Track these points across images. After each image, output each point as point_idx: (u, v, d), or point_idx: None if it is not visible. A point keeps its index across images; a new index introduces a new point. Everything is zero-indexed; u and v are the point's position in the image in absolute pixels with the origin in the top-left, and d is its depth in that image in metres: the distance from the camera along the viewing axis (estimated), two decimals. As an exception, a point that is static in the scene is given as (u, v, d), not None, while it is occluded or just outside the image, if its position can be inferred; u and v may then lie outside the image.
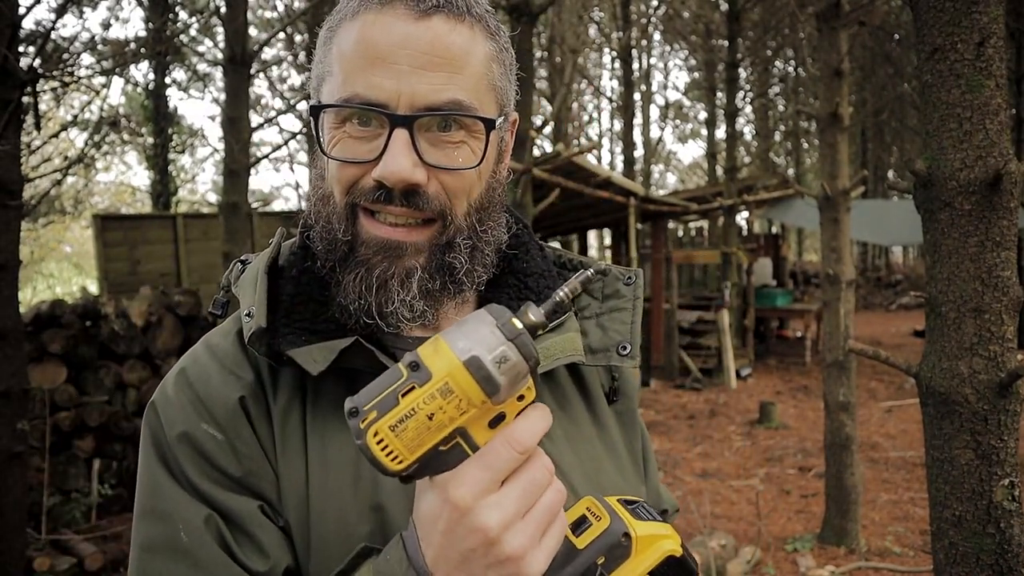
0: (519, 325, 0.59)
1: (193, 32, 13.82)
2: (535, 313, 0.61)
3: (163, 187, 14.31)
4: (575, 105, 24.02)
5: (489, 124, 0.76)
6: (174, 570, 0.71)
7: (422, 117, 0.73)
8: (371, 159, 0.74)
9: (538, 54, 16.08)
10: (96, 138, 6.27)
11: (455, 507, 0.58)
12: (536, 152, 9.11)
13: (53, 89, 4.50)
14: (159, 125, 14.08)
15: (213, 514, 0.72)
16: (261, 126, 5.98)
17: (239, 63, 5.12)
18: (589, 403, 0.90)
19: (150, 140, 14.42)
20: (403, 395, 0.58)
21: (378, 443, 0.58)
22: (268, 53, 16.53)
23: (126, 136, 13.18)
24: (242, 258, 0.87)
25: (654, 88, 29.57)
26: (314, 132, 0.78)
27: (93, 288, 11.45)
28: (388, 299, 0.76)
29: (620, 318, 0.87)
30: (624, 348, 0.84)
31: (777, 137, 28.55)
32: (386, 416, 0.58)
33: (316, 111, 0.76)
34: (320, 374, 0.73)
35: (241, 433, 0.75)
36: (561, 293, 0.63)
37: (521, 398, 0.62)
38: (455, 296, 0.80)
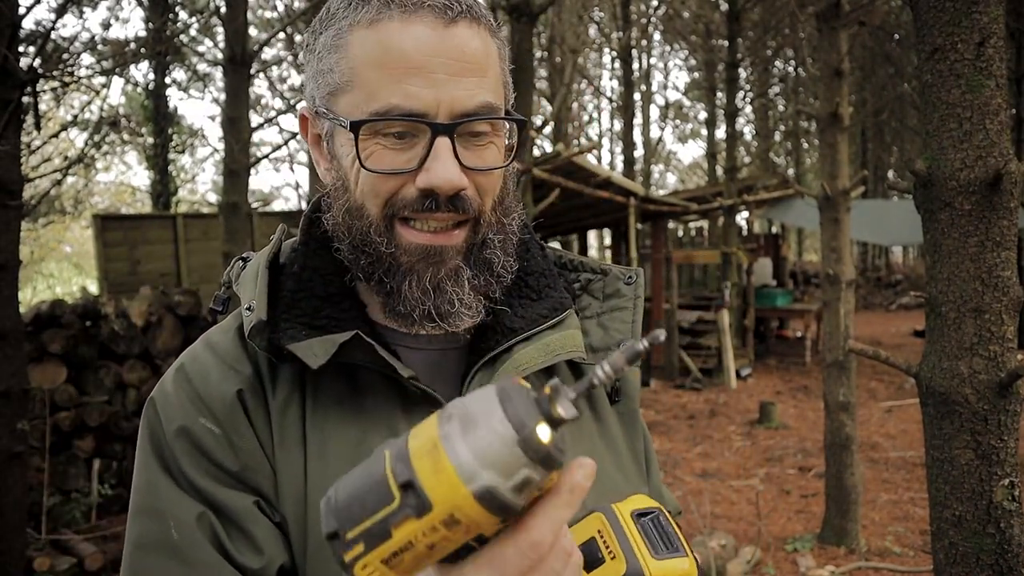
0: (545, 439, 0.47)
1: (193, 32, 13.82)
2: (565, 408, 0.49)
3: (163, 187, 14.32)
4: (575, 105, 24.02)
5: (521, 123, 0.80)
6: (165, 568, 0.70)
7: (462, 124, 0.74)
8: (410, 169, 0.74)
9: (538, 54, 16.08)
10: (96, 138, 6.28)
11: None
12: (536, 152, 9.11)
13: (53, 89, 4.50)
14: (159, 125, 14.09)
15: (207, 511, 0.72)
16: (261, 126, 5.99)
17: (239, 63, 5.12)
18: (591, 402, 0.90)
19: (150, 140, 14.43)
20: (396, 527, 0.47)
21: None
22: (268, 53, 16.52)
23: (126, 136, 13.18)
24: (243, 255, 0.87)
25: (654, 88, 29.57)
26: (353, 146, 0.74)
27: (93, 288, 11.45)
28: (447, 300, 0.77)
29: (621, 317, 0.88)
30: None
31: (777, 137, 28.54)
32: (376, 550, 0.48)
33: (356, 127, 0.73)
34: (320, 369, 0.73)
35: (239, 427, 0.75)
36: (600, 374, 0.51)
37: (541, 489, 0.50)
38: (496, 289, 0.81)
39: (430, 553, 0.48)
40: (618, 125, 24.52)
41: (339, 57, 0.75)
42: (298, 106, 0.86)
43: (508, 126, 0.81)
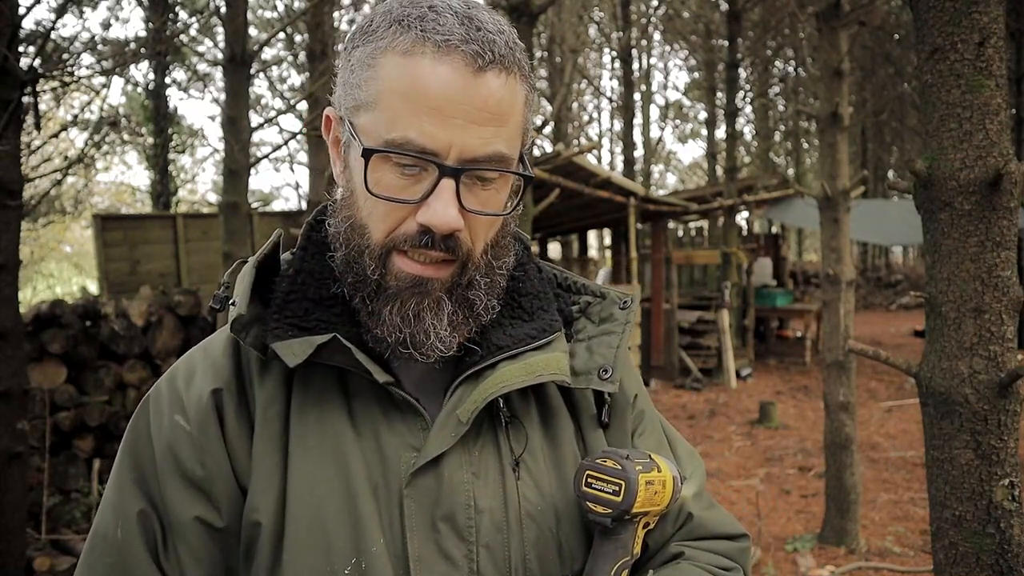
0: None
1: (193, 32, 13.81)
2: None
3: (163, 187, 14.33)
4: (575, 105, 24.03)
5: (528, 180, 0.81)
6: (104, 563, 0.78)
7: (469, 170, 0.75)
8: (415, 200, 0.76)
9: (538, 54, 16.09)
10: (96, 138, 6.27)
11: None
12: (536, 152, 9.11)
13: (53, 89, 4.49)
14: (159, 125, 14.10)
15: (151, 514, 0.78)
16: (261, 126, 5.97)
17: (239, 63, 5.12)
18: (578, 425, 0.91)
19: (150, 140, 14.44)
20: None
21: None
22: (268, 53, 16.54)
23: (126, 136, 13.18)
24: (246, 258, 0.89)
25: (654, 88, 29.58)
26: (362, 171, 0.76)
27: (93, 288, 11.45)
28: (423, 330, 0.79)
29: (608, 342, 0.90)
30: (605, 372, 0.87)
31: (777, 137, 28.53)
32: None
33: (369, 154, 0.75)
34: (310, 369, 0.78)
35: (207, 428, 0.79)
36: None
37: None
38: (473, 326, 0.83)
39: None
40: (618, 125, 24.52)
41: (370, 75, 0.76)
42: (325, 110, 0.87)
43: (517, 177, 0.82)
